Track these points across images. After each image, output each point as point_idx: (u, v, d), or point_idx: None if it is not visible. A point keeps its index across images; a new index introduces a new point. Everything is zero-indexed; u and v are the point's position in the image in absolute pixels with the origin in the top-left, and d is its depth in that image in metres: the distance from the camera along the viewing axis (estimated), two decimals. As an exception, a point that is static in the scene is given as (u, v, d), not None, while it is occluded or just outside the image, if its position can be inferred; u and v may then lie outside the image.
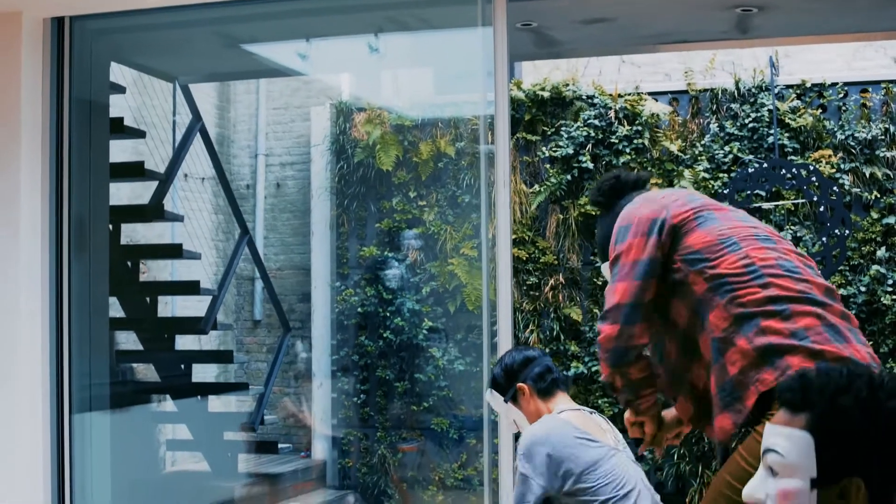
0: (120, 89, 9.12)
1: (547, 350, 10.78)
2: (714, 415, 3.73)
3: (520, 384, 5.01)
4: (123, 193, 10.15)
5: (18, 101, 7.28)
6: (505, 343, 6.82)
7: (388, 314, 11.49)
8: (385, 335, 11.47)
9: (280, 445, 11.82)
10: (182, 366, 10.50)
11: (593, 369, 10.62)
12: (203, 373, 11.32)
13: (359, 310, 11.69)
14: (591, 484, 4.72)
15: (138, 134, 9.77)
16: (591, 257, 10.81)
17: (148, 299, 10.08)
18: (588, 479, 4.74)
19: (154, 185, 9.91)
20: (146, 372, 10.72)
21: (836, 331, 3.58)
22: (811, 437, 2.29)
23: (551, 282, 10.91)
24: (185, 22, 7.98)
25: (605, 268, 4.40)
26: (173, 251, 10.35)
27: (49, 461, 7.35)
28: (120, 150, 9.95)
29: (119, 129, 9.02)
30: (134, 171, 9.56)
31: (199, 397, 10.81)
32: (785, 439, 2.33)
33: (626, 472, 4.76)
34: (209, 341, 11.55)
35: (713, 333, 3.72)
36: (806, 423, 2.31)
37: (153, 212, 9.81)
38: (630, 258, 4.02)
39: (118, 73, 9.16)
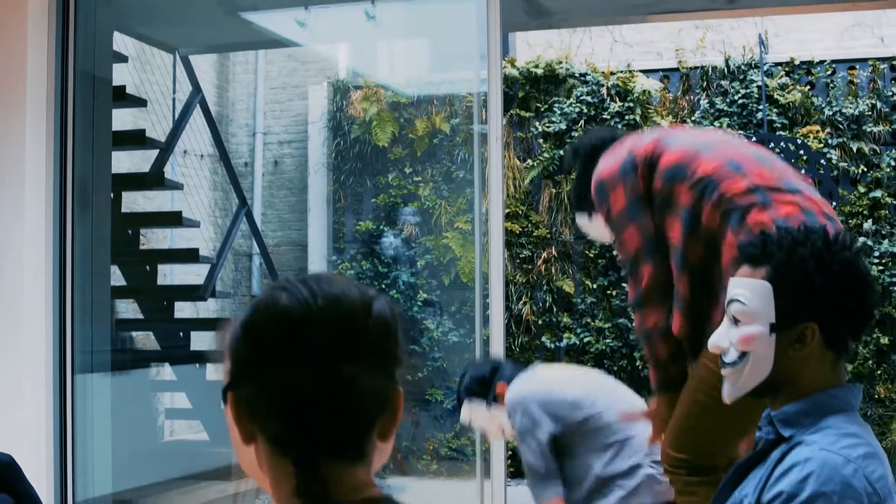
0: (122, 58, 9.31)
1: (539, 322, 10.99)
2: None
3: (500, 383, 5.18)
4: (124, 165, 10.32)
5: (24, 67, 7.47)
6: (497, 315, 6.99)
7: (383, 287, 11.66)
8: (381, 308, 11.69)
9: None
10: (181, 334, 10.69)
11: (585, 340, 10.83)
12: (199, 342, 11.50)
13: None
14: (598, 410, 4.93)
15: (140, 102, 9.96)
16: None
17: (148, 267, 10.26)
18: (588, 407, 4.95)
19: (154, 159, 10.12)
20: (145, 341, 10.90)
21: (812, 214, 3.75)
22: (770, 285, 2.51)
23: (544, 255, 11.10)
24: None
25: (579, 218, 4.59)
26: (173, 219, 10.53)
27: (52, 420, 7.53)
28: (120, 125, 10.13)
29: (121, 97, 9.20)
30: (136, 139, 9.75)
31: (197, 366, 10.98)
32: (747, 289, 2.54)
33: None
34: (206, 311, 11.72)
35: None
36: (766, 273, 2.53)
37: (154, 179, 9.99)
38: (617, 209, 4.17)
39: (121, 44, 9.34)
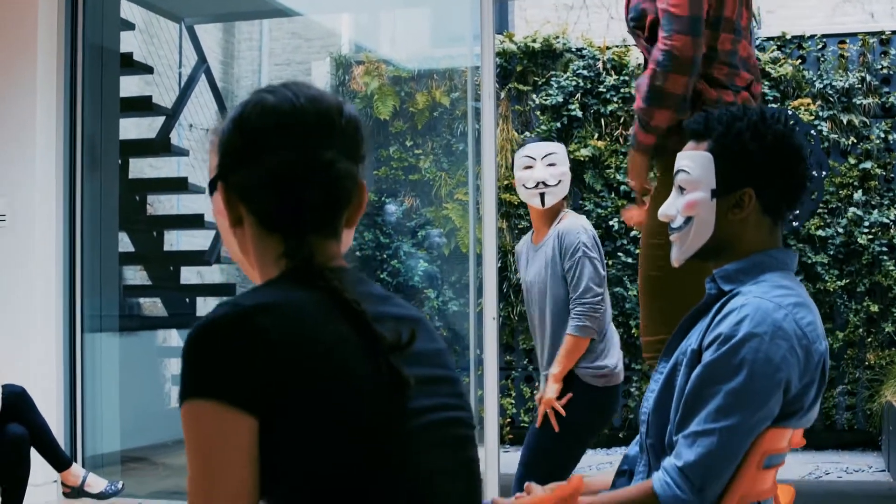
0: (129, 26, 9.54)
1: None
2: None
3: None
4: (131, 134, 10.57)
5: (35, 32, 7.74)
6: (490, 284, 7.24)
7: (385, 257, 11.88)
8: (382, 277, 11.87)
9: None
10: (187, 300, 10.94)
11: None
12: (204, 309, 11.75)
13: (357, 253, 12.08)
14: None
15: (146, 69, 10.22)
16: (581, 202, 11.24)
17: (155, 234, 10.52)
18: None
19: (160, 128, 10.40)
20: (152, 308, 11.15)
21: None
22: (711, 156, 2.77)
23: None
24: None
25: None
26: (179, 184, 10.79)
27: (62, 376, 7.80)
28: (127, 93, 10.37)
29: (128, 63, 9.44)
30: (142, 105, 10.00)
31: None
32: (691, 160, 2.81)
33: None
34: (211, 278, 11.97)
35: None
36: (708, 146, 2.79)
37: (160, 145, 10.26)
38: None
39: (128, 13, 9.58)
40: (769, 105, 10.79)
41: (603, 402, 5.45)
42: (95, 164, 8.06)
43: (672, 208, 2.86)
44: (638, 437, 2.86)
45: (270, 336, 1.79)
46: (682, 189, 2.84)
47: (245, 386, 1.76)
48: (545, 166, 5.47)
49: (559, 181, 5.47)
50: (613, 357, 5.46)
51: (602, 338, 5.45)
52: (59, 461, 6.33)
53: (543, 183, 5.43)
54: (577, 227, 5.42)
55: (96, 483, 6.44)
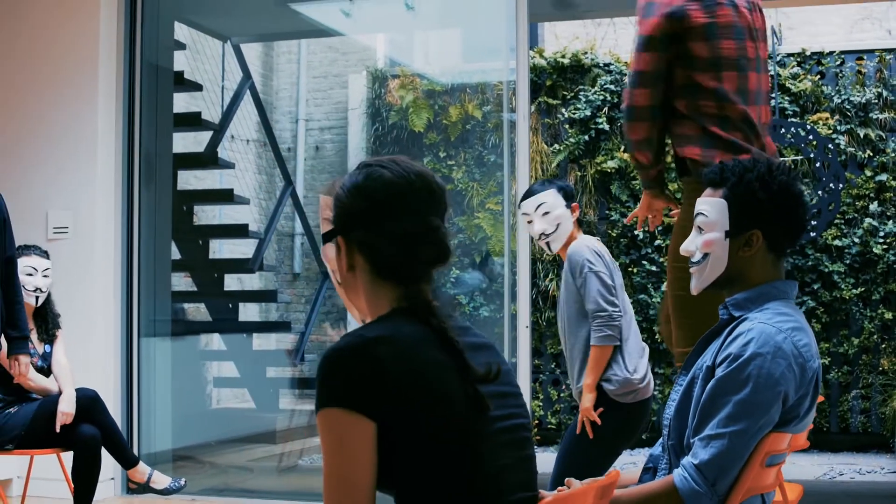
0: (181, 46, 10.04)
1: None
2: None
3: (574, 203, 5.98)
4: (177, 146, 11.04)
5: (97, 52, 8.27)
6: (524, 291, 7.72)
7: None
8: (416, 284, 12.30)
9: (317, 382, 12.63)
10: (230, 305, 11.44)
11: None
12: (244, 315, 12.24)
13: None
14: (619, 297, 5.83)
15: (196, 87, 10.72)
16: (607, 212, 11.69)
17: (200, 242, 11.01)
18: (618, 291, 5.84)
19: (207, 141, 10.88)
20: (195, 313, 11.63)
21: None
22: (725, 202, 3.26)
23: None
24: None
25: None
26: (225, 196, 11.29)
27: (119, 377, 8.31)
28: (175, 108, 10.86)
29: (179, 81, 9.93)
30: (192, 120, 10.50)
31: (245, 335, 11.74)
32: (709, 205, 3.30)
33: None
34: (250, 284, 12.44)
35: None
36: (723, 193, 3.29)
37: (208, 158, 10.78)
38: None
39: (177, 32, 10.06)
40: (790, 119, 11.22)
41: (633, 417, 5.81)
42: (151, 178, 8.57)
43: (692, 245, 3.36)
44: (661, 439, 3.35)
45: (385, 363, 2.31)
46: (700, 229, 3.33)
47: (366, 398, 2.28)
48: (541, 217, 5.96)
49: (557, 224, 5.94)
50: (640, 370, 5.88)
51: (623, 343, 5.91)
52: (128, 460, 6.78)
53: (544, 234, 5.93)
54: (581, 247, 5.87)
55: (160, 480, 6.89)
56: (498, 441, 2.43)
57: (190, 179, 11.75)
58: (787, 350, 3.07)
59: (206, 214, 12.08)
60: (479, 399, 2.40)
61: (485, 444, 2.39)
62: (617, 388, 5.77)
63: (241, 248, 12.47)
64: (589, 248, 5.88)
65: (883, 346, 11.18)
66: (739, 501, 3.03)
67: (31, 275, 6.49)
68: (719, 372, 3.08)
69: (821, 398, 3.44)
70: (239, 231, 11.60)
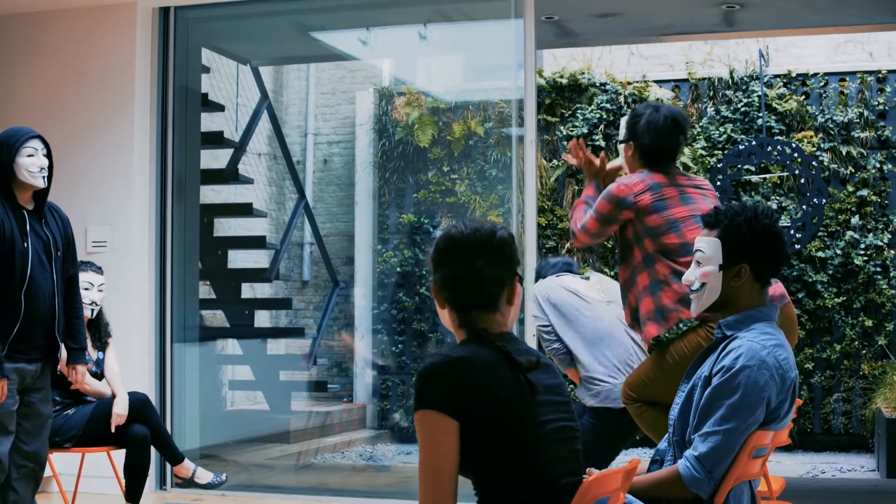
0: (206, 69, 10.66)
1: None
2: (643, 325, 5.57)
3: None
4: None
5: (134, 77, 8.90)
6: (529, 300, 8.35)
7: (423, 273, 12.86)
8: (421, 292, 12.88)
9: (329, 386, 13.26)
10: (246, 312, 12.08)
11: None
12: (258, 322, 12.84)
13: (398, 269, 13.08)
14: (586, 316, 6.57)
15: (219, 108, 11.36)
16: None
17: (220, 252, 11.63)
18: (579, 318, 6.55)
19: (229, 157, 11.52)
20: (212, 319, 12.23)
21: None
22: (719, 241, 3.94)
23: (567, 245, 12.38)
24: (263, 12, 9.56)
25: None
26: (244, 209, 11.93)
27: (154, 380, 8.93)
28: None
29: (204, 102, 10.53)
30: (215, 139, 11.13)
31: (259, 340, 12.37)
32: (705, 244, 3.98)
33: (604, 318, 6.58)
34: (262, 293, 13.04)
35: (657, 276, 5.50)
36: (717, 233, 3.96)
37: (229, 175, 11.42)
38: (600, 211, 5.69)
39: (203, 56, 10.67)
40: (776, 137, 11.84)
41: (626, 418, 6.09)
42: (181, 194, 9.21)
43: (692, 276, 4.04)
44: (667, 435, 4.03)
45: (464, 377, 3.02)
46: (699, 263, 4.01)
47: (450, 403, 2.97)
48: None
49: None
50: (599, 372, 6.66)
51: (570, 361, 6.75)
52: (175, 457, 7.38)
53: None
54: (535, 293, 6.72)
55: (203, 475, 7.49)
56: (552, 438, 3.13)
57: (208, 193, 12.33)
58: (770, 363, 3.75)
59: (222, 226, 12.64)
60: (535, 405, 3.10)
61: (541, 440, 3.09)
62: (597, 402, 6.51)
63: (254, 258, 13.08)
64: (534, 297, 6.70)
65: (863, 351, 11.83)
66: (731, 486, 3.72)
67: (87, 289, 7.07)
68: (715, 381, 3.76)
69: (799, 401, 4.15)
70: (257, 242, 12.26)
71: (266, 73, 13.65)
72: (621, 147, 5.85)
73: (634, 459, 3.45)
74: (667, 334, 5.35)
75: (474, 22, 10.15)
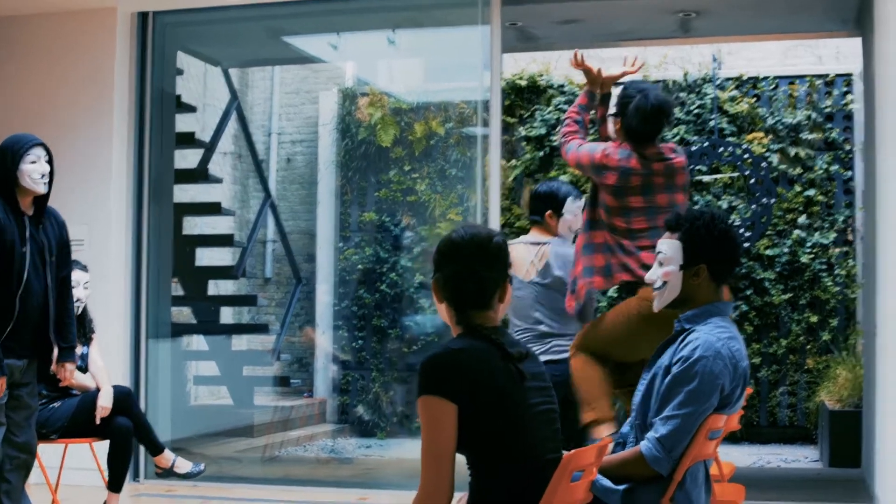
0: (179, 72, 10.93)
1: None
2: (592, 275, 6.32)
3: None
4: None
5: (113, 80, 9.23)
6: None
7: (384, 271, 13.16)
8: (381, 288, 13.18)
9: (292, 381, 13.53)
10: (212, 308, 12.37)
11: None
12: (224, 317, 13.12)
13: (359, 267, 13.36)
14: None
15: (191, 109, 11.65)
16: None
17: (188, 250, 11.90)
18: None
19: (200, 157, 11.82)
20: (178, 315, 12.47)
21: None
22: (680, 243, 4.32)
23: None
24: (238, 17, 9.87)
25: None
26: (213, 208, 12.23)
27: (129, 375, 9.22)
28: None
29: (178, 104, 10.77)
30: (187, 139, 11.41)
31: (224, 336, 12.65)
32: (667, 246, 4.37)
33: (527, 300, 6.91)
34: (226, 290, 13.28)
35: (606, 238, 6.30)
36: (678, 236, 4.34)
37: (200, 174, 11.72)
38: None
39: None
40: (728, 139, 12.22)
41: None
42: (156, 194, 9.52)
43: (654, 275, 4.42)
44: (629, 420, 4.41)
45: (463, 366, 3.41)
46: (661, 263, 4.39)
47: (450, 388, 3.37)
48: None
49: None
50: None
51: None
52: (155, 447, 7.68)
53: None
54: None
55: (183, 465, 7.77)
56: (538, 420, 3.54)
57: (177, 192, 12.55)
58: (724, 354, 4.13)
59: (188, 224, 12.83)
60: (524, 390, 3.50)
61: (529, 422, 3.50)
62: None
63: (219, 256, 13.34)
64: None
65: (808, 346, 12.25)
66: (688, 465, 4.11)
67: (74, 287, 7.33)
68: (674, 369, 4.15)
69: (749, 390, 4.55)
70: (226, 240, 12.57)
71: (232, 74, 13.88)
72: (610, 119, 6.39)
73: (606, 438, 3.84)
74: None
75: (442, 28, 10.48)
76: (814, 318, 12.22)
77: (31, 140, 6.28)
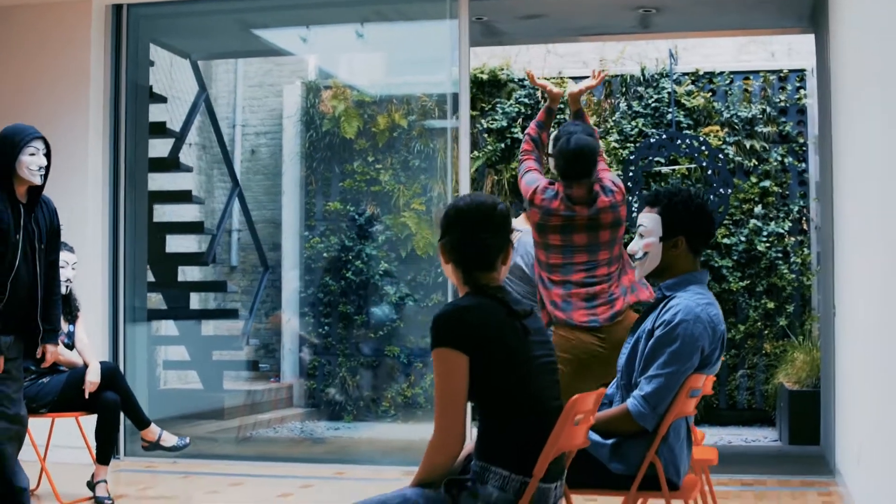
0: (151, 63, 11.15)
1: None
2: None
3: None
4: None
5: (88, 71, 9.46)
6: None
7: (349, 259, 13.38)
8: (347, 276, 13.40)
9: (260, 365, 13.76)
10: (183, 294, 12.61)
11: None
12: (196, 302, 13.33)
13: (324, 255, 13.55)
14: None
15: (162, 100, 11.88)
16: (520, 212, 12.90)
17: (159, 237, 12.11)
18: None
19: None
20: (150, 301, 12.66)
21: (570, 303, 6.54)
22: (659, 216, 4.65)
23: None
24: (209, 10, 10.12)
25: None
26: (184, 196, 12.48)
27: (107, 358, 9.43)
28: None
29: (150, 95, 11.01)
30: (159, 129, 11.63)
31: (194, 322, 12.87)
32: (648, 219, 4.69)
33: None
34: (193, 277, 13.49)
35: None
36: (658, 210, 4.67)
37: (171, 163, 11.96)
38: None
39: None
40: (685, 131, 12.56)
41: None
42: (131, 182, 9.76)
43: (636, 246, 4.75)
44: (614, 381, 4.74)
45: (472, 320, 3.70)
46: (641, 235, 4.72)
47: (461, 341, 3.66)
48: None
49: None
50: None
51: None
52: (141, 421, 7.93)
53: None
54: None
55: (169, 439, 8.03)
56: (541, 371, 3.86)
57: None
58: (704, 318, 4.47)
59: (158, 212, 13.00)
60: (528, 343, 3.81)
61: (532, 370, 3.81)
62: None
63: (186, 243, 13.53)
64: None
65: (766, 331, 12.60)
66: (671, 421, 4.44)
67: (62, 267, 7.55)
68: (658, 332, 4.48)
69: (723, 358, 4.88)
70: (196, 228, 12.81)
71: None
72: (549, 159, 6.83)
73: (601, 388, 4.16)
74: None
75: (410, 22, 10.74)
76: (771, 305, 12.56)
77: (32, 132, 6.41)
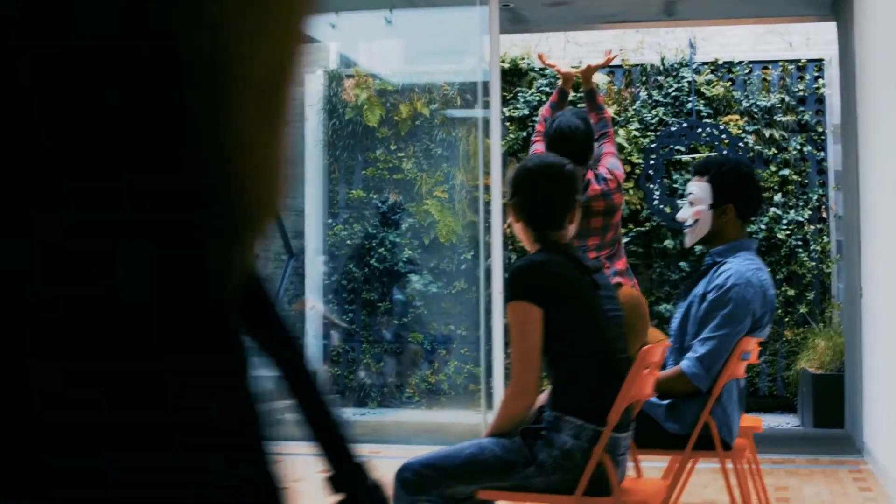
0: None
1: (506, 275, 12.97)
2: None
3: None
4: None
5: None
6: (497, 270, 9.08)
7: (372, 246, 13.50)
8: (370, 263, 13.55)
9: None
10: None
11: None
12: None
13: (347, 242, 13.68)
14: None
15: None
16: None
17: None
18: None
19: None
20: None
21: None
22: (709, 185, 4.79)
23: (508, 220, 13.02)
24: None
25: None
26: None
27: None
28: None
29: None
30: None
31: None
32: (697, 187, 4.84)
33: None
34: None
35: None
36: (707, 178, 4.81)
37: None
38: None
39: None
40: (704, 120, 12.69)
41: None
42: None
43: (686, 213, 4.90)
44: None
45: (545, 274, 3.84)
46: (691, 203, 4.87)
47: (535, 294, 3.81)
48: None
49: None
50: None
51: None
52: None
53: None
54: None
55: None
56: (610, 324, 4.01)
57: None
58: (755, 282, 4.62)
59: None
60: (596, 287, 3.93)
61: (603, 322, 3.96)
62: None
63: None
64: None
65: (786, 318, 12.73)
66: (724, 382, 4.59)
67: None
68: (710, 296, 4.63)
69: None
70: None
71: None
72: None
73: (665, 341, 4.30)
74: None
75: (439, 8, 10.84)
76: (791, 292, 12.69)
77: None
